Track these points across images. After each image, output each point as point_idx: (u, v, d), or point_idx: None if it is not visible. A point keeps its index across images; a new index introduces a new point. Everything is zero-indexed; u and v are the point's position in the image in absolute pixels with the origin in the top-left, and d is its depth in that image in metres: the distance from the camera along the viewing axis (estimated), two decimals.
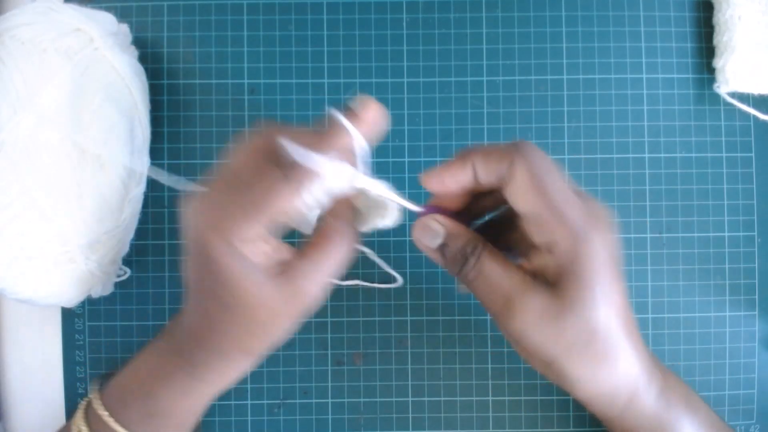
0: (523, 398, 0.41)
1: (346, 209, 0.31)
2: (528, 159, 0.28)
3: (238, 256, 0.28)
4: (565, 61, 0.42)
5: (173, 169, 0.41)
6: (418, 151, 0.42)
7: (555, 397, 0.41)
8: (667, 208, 0.42)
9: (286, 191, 0.27)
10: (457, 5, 0.42)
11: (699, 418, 0.32)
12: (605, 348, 0.28)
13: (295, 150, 0.27)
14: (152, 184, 0.41)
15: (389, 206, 0.31)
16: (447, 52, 0.42)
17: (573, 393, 0.31)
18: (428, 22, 0.42)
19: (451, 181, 0.30)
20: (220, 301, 0.29)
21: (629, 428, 0.31)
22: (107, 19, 0.38)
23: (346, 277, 0.40)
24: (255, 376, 0.41)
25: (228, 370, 0.32)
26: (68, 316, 0.41)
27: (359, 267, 0.41)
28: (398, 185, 0.31)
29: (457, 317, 0.41)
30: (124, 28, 0.39)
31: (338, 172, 0.28)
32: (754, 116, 0.41)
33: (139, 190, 0.39)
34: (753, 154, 0.42)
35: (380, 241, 0.41)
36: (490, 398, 0.41)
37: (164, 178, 0.37)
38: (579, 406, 0.41)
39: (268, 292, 0.28)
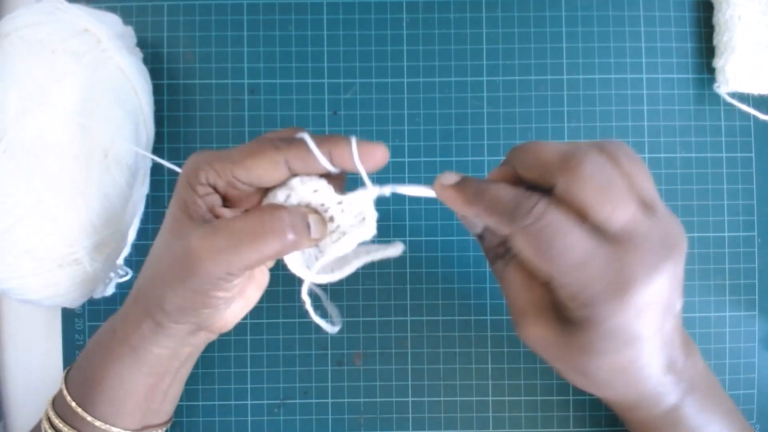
0: (523, 398, 0.41)
1: (307, 211, 0.29)
2: (527, 228, 0.26)
3: (191, 190, 0.29)
4: (565, 61, 0.42)
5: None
6: (418, 151, 0.42)
7: (555, 397, 0.41)
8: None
9: (270, 152, 0.28)
10: (457, 5, 0.42)
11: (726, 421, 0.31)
12: (623, 377, 0.28)
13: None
14: (154, 185, 0.41)
15: (366, 215, 0.29)
16: (447, 52, 0.42)
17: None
18: (428, 22, 0.42)
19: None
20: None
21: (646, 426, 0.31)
22: (114, 20, 0.38)
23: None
24: (255, 376, 0.41)
25: (154, 336, 0.30)
26: (68, 316, 0.41)
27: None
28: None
29: (457, 317, 0.41)
30: (130, 30, 0.39)
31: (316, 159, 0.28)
32: (754, 116, 0.41)
33: (142, 192, 0.39)
34: (753, 154, 0.42)
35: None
36: (490, 398, 0.41)
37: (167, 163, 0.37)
38: (579, 406, 0.41)
39: (177, 229, 0.29)
